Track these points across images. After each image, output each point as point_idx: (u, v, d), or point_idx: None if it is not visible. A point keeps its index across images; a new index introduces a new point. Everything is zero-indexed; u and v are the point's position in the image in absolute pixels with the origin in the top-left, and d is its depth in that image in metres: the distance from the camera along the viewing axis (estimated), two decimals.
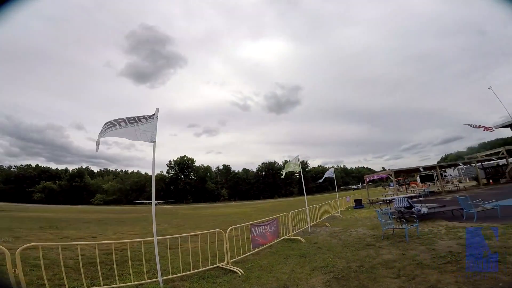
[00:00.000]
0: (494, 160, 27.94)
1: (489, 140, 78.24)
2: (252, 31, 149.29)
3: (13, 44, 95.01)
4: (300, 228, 10.28)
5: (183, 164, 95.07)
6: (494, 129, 23.03)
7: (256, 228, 7.03)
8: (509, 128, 14.94)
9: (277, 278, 4.96)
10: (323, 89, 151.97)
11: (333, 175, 18.09)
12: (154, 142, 5.14)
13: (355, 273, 4.76)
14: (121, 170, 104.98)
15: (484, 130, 27.08)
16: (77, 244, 4.70)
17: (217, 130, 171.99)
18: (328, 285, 4.34)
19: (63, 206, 53.21)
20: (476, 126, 28.23)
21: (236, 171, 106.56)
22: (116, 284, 4.53)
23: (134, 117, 4.99)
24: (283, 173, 11.24)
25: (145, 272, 4.91)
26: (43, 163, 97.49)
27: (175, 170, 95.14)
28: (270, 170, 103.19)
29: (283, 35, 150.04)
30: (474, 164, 26.73)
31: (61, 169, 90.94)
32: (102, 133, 4.51)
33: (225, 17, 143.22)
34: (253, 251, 6.88)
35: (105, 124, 4.67)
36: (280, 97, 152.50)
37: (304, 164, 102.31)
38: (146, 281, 4.77)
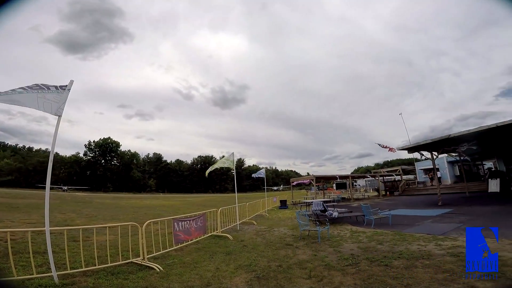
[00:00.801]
0: (392, 175, 34.04)
1: (392, 159, 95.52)
2: (214, 23, 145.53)
3: None
4: (229, 225, 10.37)
5: (106, 147, 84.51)
6: (396, 150, 27.96)
7: (180, 223, 6.76)
8: (406, 151, 18.40)
9: (200, 275, 4.85)
10: (268, 93, 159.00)
11: (263, 176, 18.98)
12: (60, 116, 4.40)
13: (274, 272, 5.01)
14: (24, 146, 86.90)
15: (388, 151, 32.72)
16: None
17: (152, 115, 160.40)
18: (250, 284, 4.45)
19: None
20: (383, 146, 33.87)
21: (168, 161, 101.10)
22: None
23: (38, 84, 4.17)
24: (208, 171, 10.94)
25: (33, 266, 4.16)
26: None
27: (95, 153, 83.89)
28: (206, 164, 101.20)
29: (243, 33, 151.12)
30: (377, 178, 32.01)
31: None
32: None
33: (189, 1, 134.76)
34: (176, 247, 6.62)
35: None
36: (227, 93, 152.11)
37: (240, 162, 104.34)
38: (36, 275, 4.05)
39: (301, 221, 8.63)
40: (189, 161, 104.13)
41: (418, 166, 32.77)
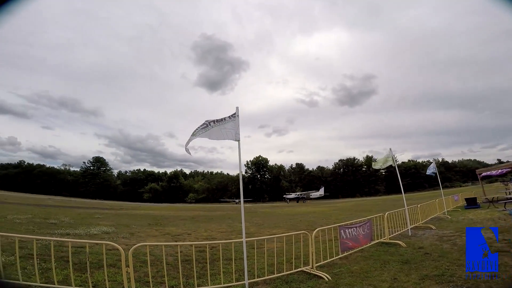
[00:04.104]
0: None
1: None
2: (303, 27, 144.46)
3: (105, 68, 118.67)
4: (396, 231, 8.89)
5: (259, 164, 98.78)
6: None
7: (346, 230, 6.33)
8: None
9: (374, 286, 4.32)
10: (401, 75, 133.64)
11: (435, 170, 15.24)
12: (239, 141, 5.13)
13: (486, 283, 3.77)
14: (207, 171, 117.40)
15: None
16: (177, 244, 5.16)
17: (286, 129, 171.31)
18: None
19: (165, 204, 63.11)
20: None
21: (310, 169, 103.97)
22: (208, 285, 4.63)
23: (220, 119, 5.14)
24: (376, 165, 10.02)
25: (233, 274, 4.90)
26: (148, 168, 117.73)
27: (252, 170, 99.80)
28: (349, 167, 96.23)
29: (337, 25, 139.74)
30: None
31: (162, 172, 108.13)
32: (194, 135, 4.80)
33: (271, 17, 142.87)
34: (341, 255, 6.23)
35: (198, 127, 4.92)
36: (351, 89, 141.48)
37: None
38: (234, 283, 4.75)
39: None
40: (330, 167, 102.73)
41: None
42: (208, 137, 4.90)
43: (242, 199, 5.21)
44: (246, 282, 4.61)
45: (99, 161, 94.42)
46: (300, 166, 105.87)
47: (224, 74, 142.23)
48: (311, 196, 65.18)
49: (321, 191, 69.38)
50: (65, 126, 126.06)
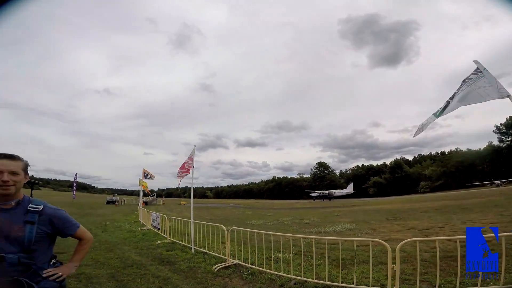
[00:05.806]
0: None
1: None
2: None
3: (290, 87, 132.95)
4: None
5: None
6: None
7: None
8: None
9: None
10: None
11: None
12: (509, 96, 3.50)
13: None
14: (436, 153, 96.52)
15: None
16: (435, 239, 4.52)
17: None
18: None
19: (393, 197, 58.72)
20: None
21: None
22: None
23: (463, 81, 3.95)
24: None
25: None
26: (365, 162, 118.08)
27: (511, 135, 68.26)
28: None
29: None
30: None
31: (380, 164, 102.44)
32: (436, 116, 4.05)
33: None
34: None
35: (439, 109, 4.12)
36: None
37: None
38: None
39: None
40: None
41: None
42: (459, 106, 3.82)
43: None
44: None
45: (322, 166, 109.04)
46: None
47: (394, 43, 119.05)
48: (334, 194, 65.43)
49: (349, 188, 69.76)
50: (289, 144, 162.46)
